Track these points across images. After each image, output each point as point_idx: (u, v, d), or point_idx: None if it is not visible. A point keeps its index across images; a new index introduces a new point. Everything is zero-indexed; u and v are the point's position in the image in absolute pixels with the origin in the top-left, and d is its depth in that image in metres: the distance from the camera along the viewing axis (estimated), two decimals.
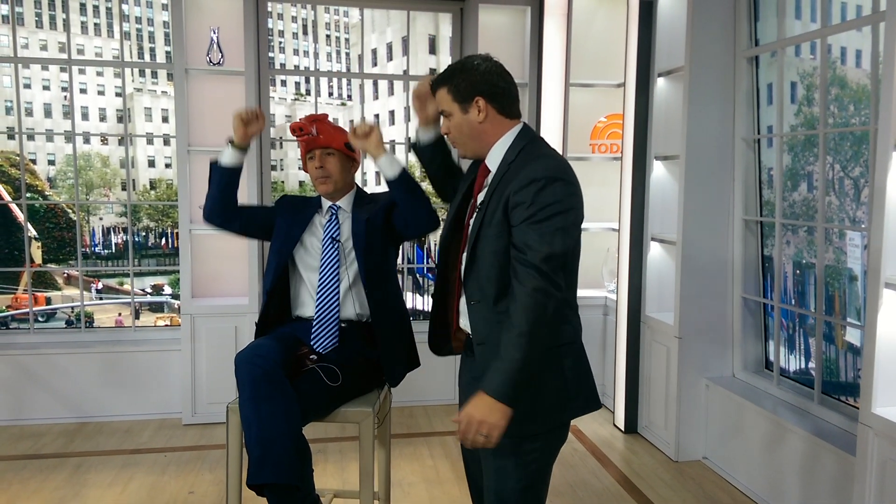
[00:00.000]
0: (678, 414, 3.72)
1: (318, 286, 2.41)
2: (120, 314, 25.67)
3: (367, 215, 2.45)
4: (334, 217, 2.48)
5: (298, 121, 2.43)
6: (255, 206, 2.60)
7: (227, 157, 2.43)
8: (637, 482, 3.50)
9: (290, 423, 2.07)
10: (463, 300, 1.90)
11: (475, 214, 1.86)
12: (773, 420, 3.19)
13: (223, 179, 2.44)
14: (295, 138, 2.45)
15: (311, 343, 2.38)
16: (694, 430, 3.74)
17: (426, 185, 2.44)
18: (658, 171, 3.98)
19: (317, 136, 2.42)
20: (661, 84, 3.95)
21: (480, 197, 1.88)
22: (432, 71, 2.05)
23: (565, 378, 1.81)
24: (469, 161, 2.02)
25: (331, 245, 2.43)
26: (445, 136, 1.95)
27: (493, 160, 1.87)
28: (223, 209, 2.48)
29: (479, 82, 1.84)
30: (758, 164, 3.65)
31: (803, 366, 3.48)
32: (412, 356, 2.55)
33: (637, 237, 4.07)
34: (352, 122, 2.19)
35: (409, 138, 2.34)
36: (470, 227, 1.86)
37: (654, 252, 4.02)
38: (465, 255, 1.88)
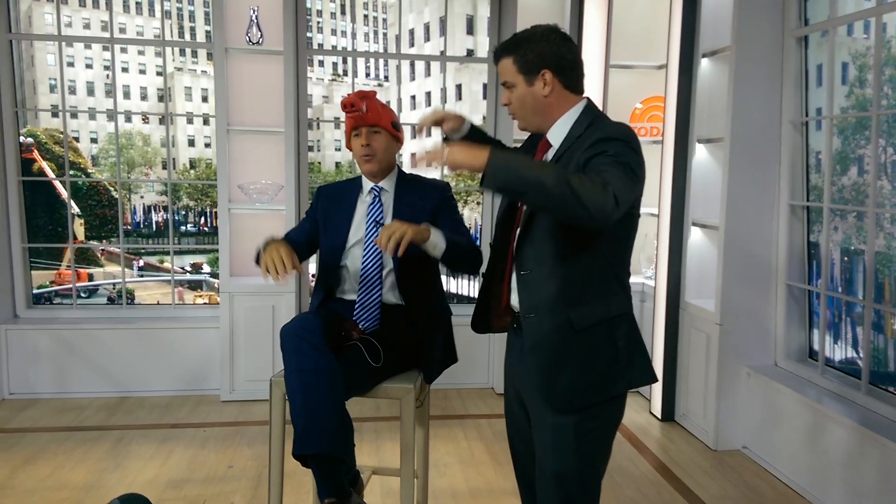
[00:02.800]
0: (717, 402, 3.66)
1: (361, 269, 2.39)
2: (180, 287, 26.07)
3: (410, 213, 2.35)
4: (377, 199, 2.45)
5: (349, 96, 2.36)
6: (301, 230, 2.55)
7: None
8: (675, 469, 3.46)
9: (335, 395, 2.06)
10: (514, 277, 1.82)
11: None
12: (817, 410, 3.11)
13: None
14: (344, 114, 2.37)
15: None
16: (734, 418, 3.68)
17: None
18: (700, 155, 3.89)
19: (366, 112, 2.36)
20: (705, 65, 3.84)
21: None
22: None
23: (617, 348, 1.78)
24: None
25: (375, 229, 2.40)
26: (506, 108, 1.85)
27: (556, 135, 1.80)
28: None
29: (547, 54, 1.76)
30: (805, 148, 3.55)
31: (849, 355, 3.39)
32: (449, 353, 2.51)
33: (677, 222, 3.99)
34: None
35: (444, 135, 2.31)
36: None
37: (695, 237, 3.94)
38: (518, 230, 1.81)
